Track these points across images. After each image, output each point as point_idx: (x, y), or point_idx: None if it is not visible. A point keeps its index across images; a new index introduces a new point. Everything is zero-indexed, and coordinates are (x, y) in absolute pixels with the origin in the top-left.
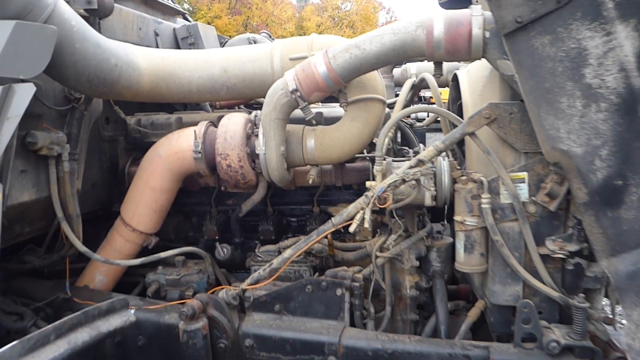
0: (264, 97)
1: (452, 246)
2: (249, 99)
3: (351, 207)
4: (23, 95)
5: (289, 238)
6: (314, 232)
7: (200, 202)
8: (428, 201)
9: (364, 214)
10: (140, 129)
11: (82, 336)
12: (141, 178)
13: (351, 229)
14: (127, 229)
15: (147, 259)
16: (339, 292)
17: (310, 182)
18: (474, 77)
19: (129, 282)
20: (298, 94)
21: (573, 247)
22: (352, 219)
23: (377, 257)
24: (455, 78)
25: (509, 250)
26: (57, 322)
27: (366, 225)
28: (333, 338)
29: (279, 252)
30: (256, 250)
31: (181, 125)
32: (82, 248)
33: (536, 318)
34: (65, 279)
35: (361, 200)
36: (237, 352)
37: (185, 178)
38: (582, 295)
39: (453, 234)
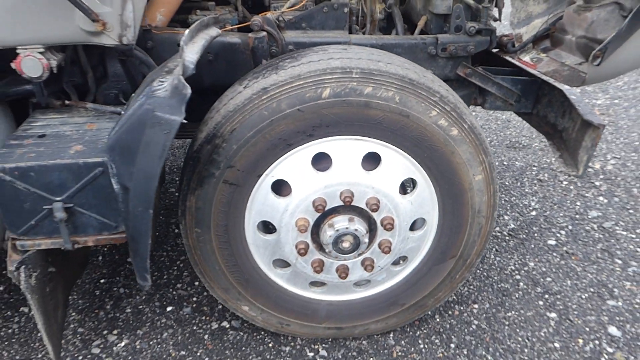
0: None
1: None
2: None
3: None
4: None
5: None
6: None
7: None
8: None
9: None
10: None
11: (210, 32)
12: None
13: None
14: None
15: None
16: (345, 10)
17: None
18: None
19: None
20: None
21: None
22: None
23: None
24: None
25: None
26: (194, 25)
27: None
28: (346, 38)
29: None
30: None
31: None
32: None
33: (463, 14)
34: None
35: None
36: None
37: None
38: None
39: None
